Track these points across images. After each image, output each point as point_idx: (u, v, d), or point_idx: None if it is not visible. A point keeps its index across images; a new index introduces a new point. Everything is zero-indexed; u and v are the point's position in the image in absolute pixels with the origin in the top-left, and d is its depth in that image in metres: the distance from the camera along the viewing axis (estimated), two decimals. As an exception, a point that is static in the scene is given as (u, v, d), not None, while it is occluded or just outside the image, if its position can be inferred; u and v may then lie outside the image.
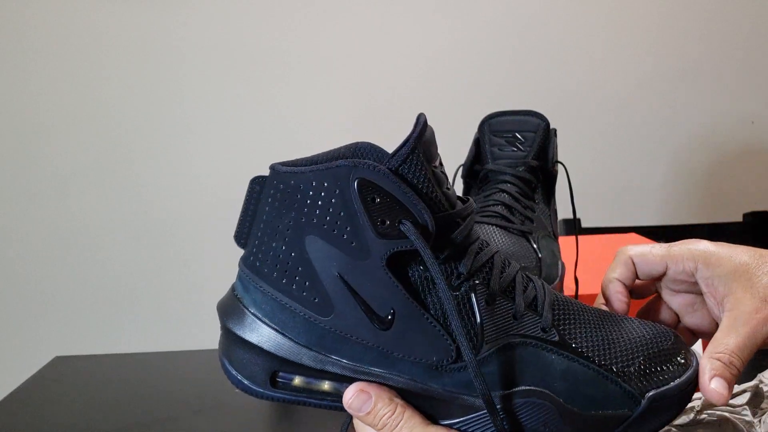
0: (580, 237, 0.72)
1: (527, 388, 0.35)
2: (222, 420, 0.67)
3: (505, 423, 0.35)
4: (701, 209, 1.46)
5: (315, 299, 0.34)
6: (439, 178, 0.35)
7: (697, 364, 0.37)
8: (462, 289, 0.35)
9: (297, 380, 0.35)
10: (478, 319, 0.35)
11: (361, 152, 0.37)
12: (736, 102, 1.44)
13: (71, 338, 1.31)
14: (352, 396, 0.35)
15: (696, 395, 0.51)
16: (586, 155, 1.39)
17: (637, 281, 0.44)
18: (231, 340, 0.36)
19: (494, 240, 0.58)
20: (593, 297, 0.46)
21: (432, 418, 0.36)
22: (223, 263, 1.32)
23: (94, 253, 1.30)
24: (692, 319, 0.44)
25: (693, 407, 0.49)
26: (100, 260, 1.30)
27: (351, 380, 0.35)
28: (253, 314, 0.35)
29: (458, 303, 0.35)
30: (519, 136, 0.63)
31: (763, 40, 1.43)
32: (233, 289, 0.37)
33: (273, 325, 0.35)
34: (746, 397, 0.50)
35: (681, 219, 1.43)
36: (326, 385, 0.35)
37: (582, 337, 0.36)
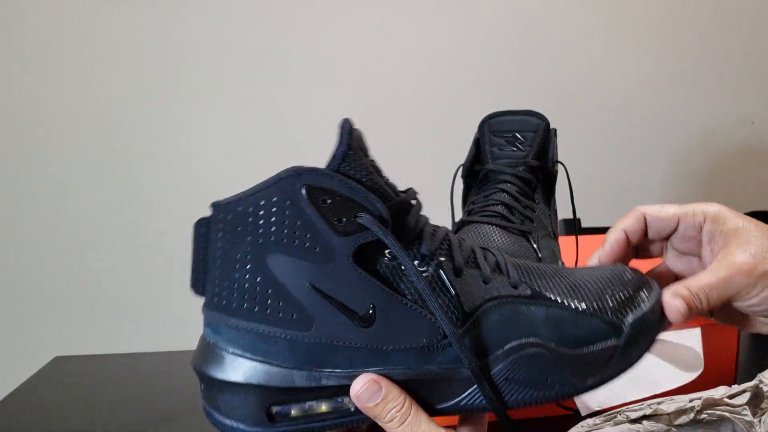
0: (580, 237, 0.72)
1: (518, 342, 0.35)
2: (222, 420, 0.67)
3: (495, 390, 0.35)
4: (701, 209, 1.45)
5: (293, 316, 0.33)
6: (378, 169, 0.36)
7: (659, 287, 0.39)
8: (429, 268, 0.35)
9: (294, 409, 0.35)
10: (453, 292, 0.35)
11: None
12: (736, 102, 1.44)
13: (71, 338, 1.30)
14: (361, 387, 0.34)
15: (696, 395, 0.51)
16: (586, 155, 1.39)
17: (645, 240, 0.45)
18: (215, 387, 0.35)
19: (494, 240, 0.58)
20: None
21: (437, 402, 0.36)
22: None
23: (95, 253, 1.30)
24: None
25: (693, 407, 0.49)
26: (101, 260, 1.30)
27: (348, 389, 0.35)
28: (232, 354, 0.34)
29: (430, 282, 0.35)
30: (519, 136, 0.63)
31: (763, 40, 1.43)
32: (204, 338, 0.36)
33: (256, 358, 0.34)
34: (746, 397, 0.50)
35: (681, 219, 1.43)
36: (324, 406, 0.35)
37: (550, 286, 0.38)
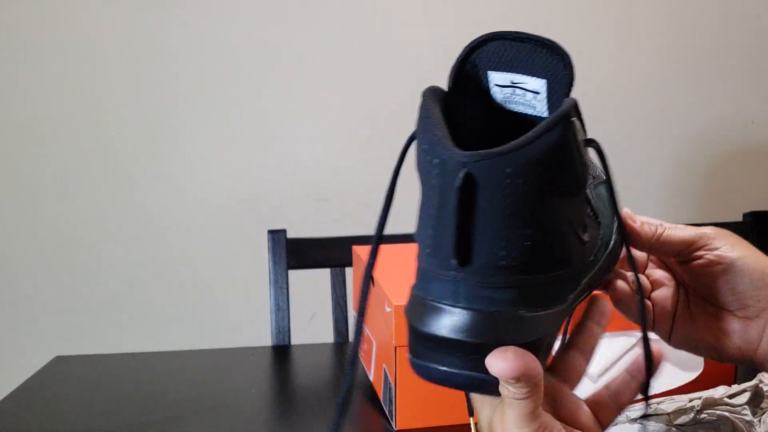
0: (580, 237, 0.72)
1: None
2: (222, 420, 0.67)
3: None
4: (701, 209, 1.46)
5: (600, 235, 0.38)
6: None
7: None
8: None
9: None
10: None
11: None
12: (736, 102, 1.44)
13: (71, 338, 1.30)
14: (502, 361, 0.30)
15: (695, 395, 0.51)
16: (586, 155, 1.39)
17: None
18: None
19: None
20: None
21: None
22: (222, 263, 1.32)
23: (94, 253, 1.30)
24: (661, 293, 0.45)
25: (693, 407, 0.49)
26: (100, 260, 1.30)
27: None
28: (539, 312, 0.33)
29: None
30: (519, 136, 0.63)
31: (763, 40, 1.43)
32: (493, 310, 0.31)
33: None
34: (746, 397, 0.50)
35: (681, 219, 1.42)
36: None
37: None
